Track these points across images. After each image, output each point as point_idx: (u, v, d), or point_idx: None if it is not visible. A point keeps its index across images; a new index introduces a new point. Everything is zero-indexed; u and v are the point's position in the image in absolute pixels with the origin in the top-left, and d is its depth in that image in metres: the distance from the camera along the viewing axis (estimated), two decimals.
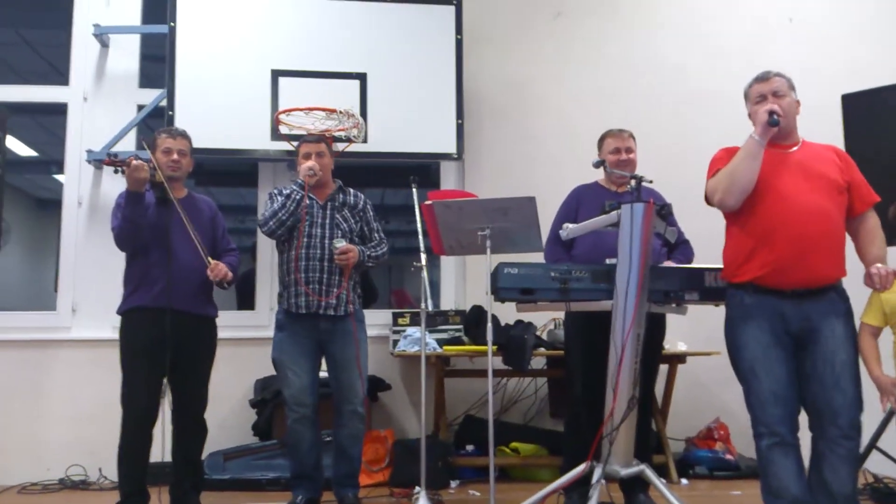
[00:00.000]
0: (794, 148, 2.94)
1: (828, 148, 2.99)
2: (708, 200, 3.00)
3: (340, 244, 3.59)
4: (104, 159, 3.25)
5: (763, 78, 2.96)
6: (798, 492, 2.77)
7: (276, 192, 3.71)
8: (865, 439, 2.91)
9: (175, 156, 3.40)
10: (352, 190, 3.84)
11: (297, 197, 3.61)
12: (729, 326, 2.95)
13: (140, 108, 4.95)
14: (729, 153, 2.95)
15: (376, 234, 3.82)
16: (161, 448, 3.24)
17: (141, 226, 3.25)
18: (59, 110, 5.06)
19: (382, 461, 4.43)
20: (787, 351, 2.81)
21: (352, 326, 3.60)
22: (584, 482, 3.19)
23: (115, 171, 3.17)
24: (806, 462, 2.85)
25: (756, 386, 2.82)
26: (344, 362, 3.61)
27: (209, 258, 3.32)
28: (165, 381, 3.29)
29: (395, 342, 4.63)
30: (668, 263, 3.53)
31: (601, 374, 3.20)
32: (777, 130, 2.83)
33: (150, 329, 3.25)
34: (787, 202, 2.80)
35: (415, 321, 4.63)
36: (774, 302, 2.81)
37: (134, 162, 3.13)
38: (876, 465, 3.72)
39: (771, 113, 2.80)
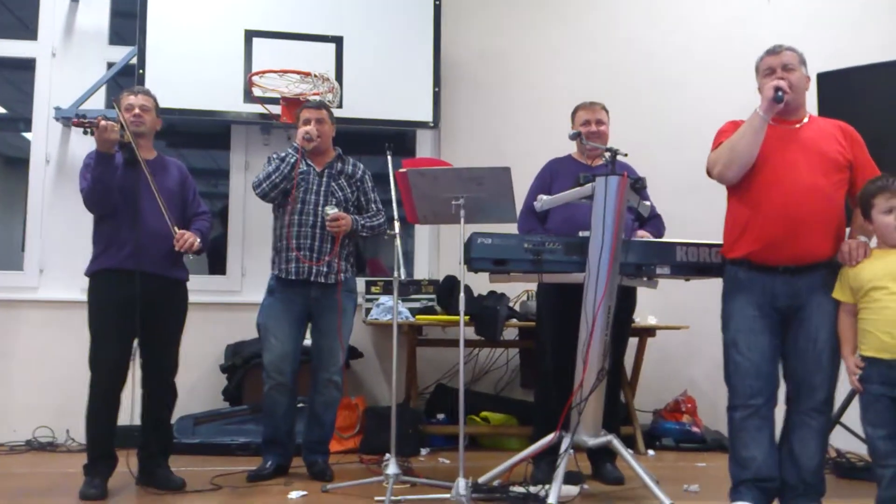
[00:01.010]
0: (800, 124, 2.92)
1: (835, 125, 2.97)
2: (709, 172, 2.99)
3: (332, 211, 3.57)
4: (73, 119, 3.17)
5: (774, 51, 2.93)
6: (765, 465, 2.82)
7: (273, 155, 3.68)
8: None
9: (137, 111, 3.32)
10: (351, 159, 3.81)
11: (292, 160, 3.58)
12: (723, 300, 2.98)
13: (110, 65, 4.85)
14: (735, 126, 2.94)
15: (373, 205, 3.79)
16: (130, 411, 3.22)
17: (111, 188, 3.18)
18: (27, 66, 4.94)
19: (353, 428, 4.45)
20: (772, 327, 2.85)
21: (340, 295, 3.59)
22: (552, 451, 3.22)
23: (85, 133, 3.09)
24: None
25: (737, 358, 2.86)
26: (326, 330, 3.61)
27: (175, 228, 3.26)
28: (135, 343, 3.25)
29: (368, 310, 4.62)
30: (642, 232, 3.54)
31: (572, 345, 3.22)
32: (783, 106, 2.82)
33: (118, 291, 3.20)
34: (782, 180, 2.80)
35: (388, 290, 4.62)
36: (766, 278, 2.83)
37: (103, 123, 3.06)
38: (839, 440, 3.80)
39: (776, 89, 2.78)
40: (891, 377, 2.63)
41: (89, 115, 3.18)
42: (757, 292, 2.85)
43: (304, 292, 3.60)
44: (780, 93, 2.77)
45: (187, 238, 3.27)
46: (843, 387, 2.89)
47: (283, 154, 3.65)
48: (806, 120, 2.95)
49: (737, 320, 2.88)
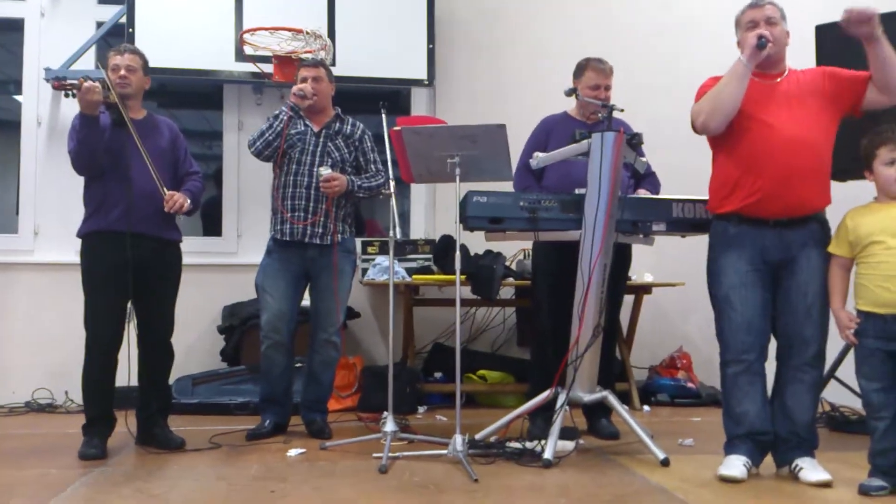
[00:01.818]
0: (780, 78, 2.91)
1: (811, 72, 2.97)
2: (693, 124, 2.97)
3: (326, 171, 3.54)
4: (53, 82, 3.09)
5: (756, 4, 2.91)
6: (758, 419, 2.85)
7: (270, 116, 3.66)
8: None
9: (123, 72, 3.24)
10: (350, 119, 3.77)
11: (283, 117, 3.56)
12: (710, 255, 2.97)
13: (99, 24, 4.78)
14: (716, 81, 2.92)
15: (372, 166, 3.75)
16: (127, 372, 3.23)
17: (97, 150, 3.14)
18: (16, 27, 4.87)
19: (351, 387, 4.48)
20: (763, 281, 2.86)
21: (337, 256, 3.58)
22: (548, 408, 3.25)
23: (66, 95, 3.03)
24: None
25: (730, 313, 2.87)
26: (324, 290, 3.61)
27: (164, 189, 3.23)
28: (130, 305, 3.25)
29: (365, 271, 4.62)
30: (642, 191, 3.52)
31: (568, 302, 3.23)
32: (766, 57, 2.80)
33: (110, 253, 3.19)
34: (772, 133, 2.79)
35: (384, 250, 4.62)
36: (756, 232, 2.84)
37: (85, 84, 3.00)
38: (833, 394, 3.83)
39: (759, 37, 2.77)
40: (886, 331, 2.64)
41: (74, 76, 3.12)
42: (748, 246, 2.85)
43: (301, 253, 3.60)
44: (763, 39, 2.77)
45: (177, 199, 3.24)
46: (838, 341, 2.90)
47: (277, 112, 3.62)
48: (786, 73, 2.94)
49: (729, 275, 2.88)
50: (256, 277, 3.68)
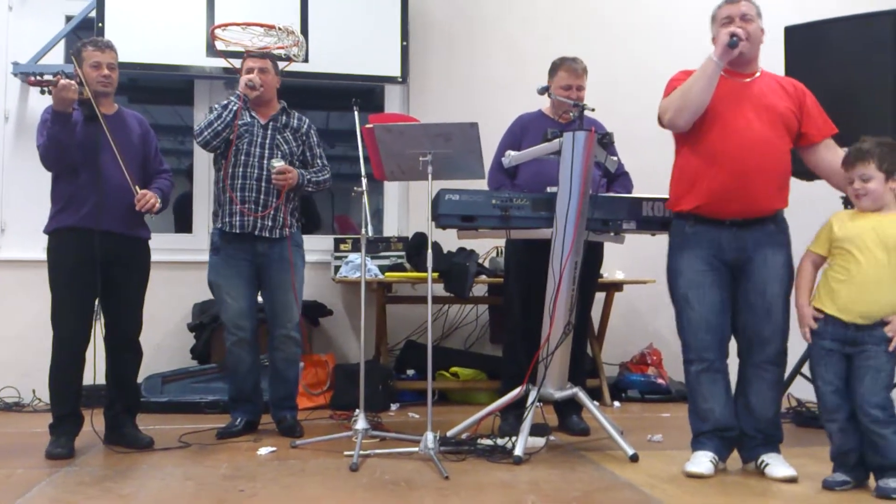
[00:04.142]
0: (751, 78, 2.93)
1: (785, 80, 3.00)
2: (660, 120, 2.99)
3: (279, 164, 3.52)
4: (29, 78, 3.05)
5: (732, 0, 2.92)
6: (723, 416, 2.89)
7: (215, 105, 3.63)
8: (791, 364, 3.01)
9: (105, 70, 3.21)
10: (296, 113, 3.75)
11: (234, 108, 3.52)
12: (669, 255, 3.00)
13: (69, 18, 4.70)
14: (686, 75, 2.93)
15: (318, 161, 3.75)
16: (93, 370, 3.19)
17: (68, 146, 3.10)
18: None
19: (323, 385, 4.47)
20: (721, 280, 2.88)
21: (288, 250, 3.56)
22: (519, 404, 3.27)
23: (42, 92, 2.99)
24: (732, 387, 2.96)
25: (689, 313, 2.90)
26: (278, 286, 3.58)
27: (136, 187, 3.20)
28: (97, 302, 3.21)
29: (337, 268, 4.61)
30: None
31: (539, 300, 3.25)
32: (738, 55, 2.82)
33: (78, 250, 3.15)
34: (733, 133, 2.82)
35: (356, 247, 4.60)
36: (713, 232, 2.86)
37: (62, 81, 2.95)
38: (800, 390, 3.88)
39: (731, 35, 2.78)
40: (847, 337, 2.66)
41: (44, 71, 3.08)
42: (704, 246, 2.88)
43: (250, 248, 3.56)
44: (734, 38, 2.78)
45: (149, 199, 3.21)
46: (801, 338, 2.93)
47: (224, 102, 3.58)
48: (758, 74, 2.96)
49: (686, 275, 2.91)
50: (209, 276, 3.63)
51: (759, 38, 2.93)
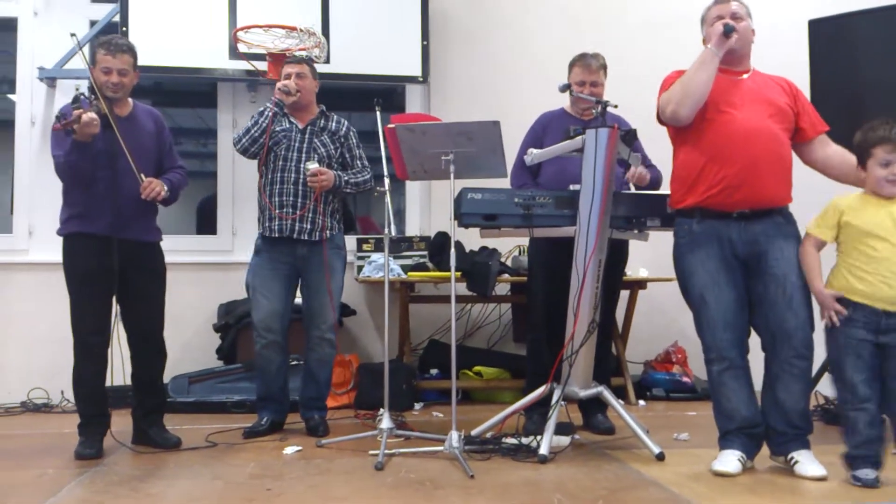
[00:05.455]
0: (745, 75, 2.96)
1: (777, 78, 3.02)
2: (660, 115, 3.00)
3: (313, 166, 3.54)
4: (54, 125, 3.01)
5: (721, 0, 2.96)
6: (749, 413, 2.86)
7: (254, 114, 3.66)
8: (818, 360, 2.97)
9: (115, 77, 3.17)
10: (335, 116, 3.77)
11: (269, 113, 3.56)
12: (677, 255, 2.99)
13: (93, 23, 4.77)
14: (681, 73, 2.95)
15: (358, 162, 3.76)
16: (121, 372, 3.22)
17: (87, 169, 3.11)
18: (9, 26, 4.86)
19: (347, 384, 4.48)
20: (735, 276, 2.86)
21: (327, 252, 3.58)
22: (544, 403, 3.26)
23: (68, 134, 2.98)
24: (757, 384, 2.93)
25: (706, 313, 2.88)
26: (315, 287, 3.61)
27: (142, 175, 3.16)
28: (117, 305, 3.22)
29: (360, 268, 4.62)
30: (642, 170, 3.48)
31: (563, 298, 3.23)
32: (732, 51, 2.85)
33: (93, 256, 3.15)
34: (737, 123, 2.83)
35: (379, 247, 4.62)
36: (721, 227, 2.85)
37: (84, 117, 2.92)
38: (827, 387, 3.82)
39: (726, 24, 2.81)
40: (880, 325, 2.64)
41: (71, 77, 3.08)
42: (715, 243, 2.86)
43: (291, 250, 3.59)
44: (729, 24, 2.81)
45: (154, 186, 3.19)
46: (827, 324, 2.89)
47: (262, 109, 3.62)
48: (750, 72, 2.98)
49: (700, 275, 2.89)
50: (247, 277, 3.67)
51: (750, 38, 2.96)
